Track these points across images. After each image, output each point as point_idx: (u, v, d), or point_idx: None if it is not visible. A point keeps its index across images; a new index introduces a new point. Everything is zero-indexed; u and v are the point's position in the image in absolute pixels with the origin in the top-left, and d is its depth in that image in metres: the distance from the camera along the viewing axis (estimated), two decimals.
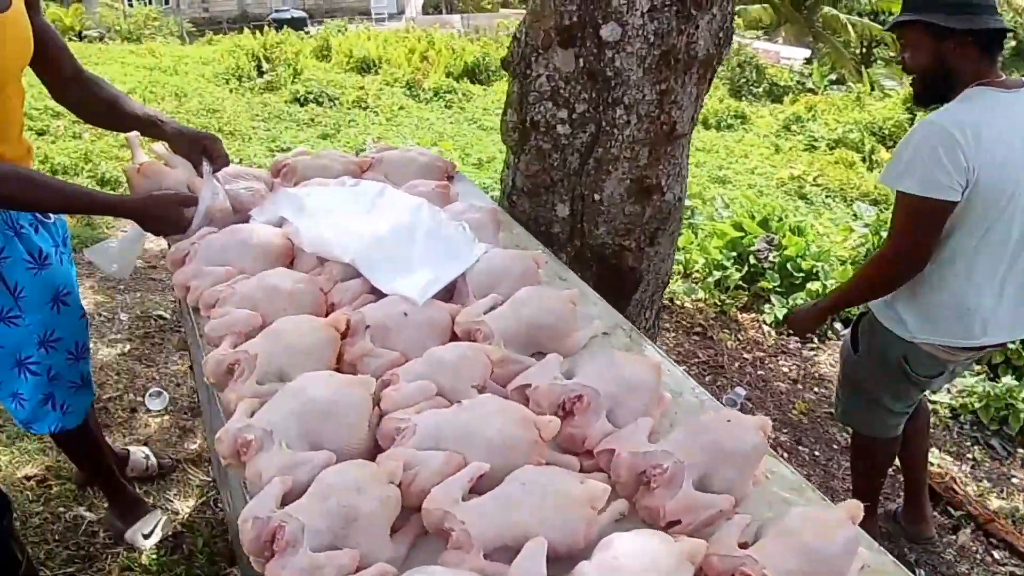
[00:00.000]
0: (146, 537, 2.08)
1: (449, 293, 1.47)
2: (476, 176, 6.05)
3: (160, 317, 3.28)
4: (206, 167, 1.67)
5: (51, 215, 1.74)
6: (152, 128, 1.75)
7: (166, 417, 2.64)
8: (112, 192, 1.69)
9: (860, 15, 18.88)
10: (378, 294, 1.41)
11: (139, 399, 2.71)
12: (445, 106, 8.91)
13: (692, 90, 1.98)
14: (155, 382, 2.83)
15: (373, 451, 1.13)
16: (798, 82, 14.39)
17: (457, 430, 1.09)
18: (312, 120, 7.13)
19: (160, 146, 1.71)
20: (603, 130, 1.97)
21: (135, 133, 1.67)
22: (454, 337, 1.38)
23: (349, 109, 7.66)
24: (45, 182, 1.50)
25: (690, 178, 5.73)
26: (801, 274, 3.99)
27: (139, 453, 2.33)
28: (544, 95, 1.98)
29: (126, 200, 1.54)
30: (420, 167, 1.90)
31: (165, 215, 1.54)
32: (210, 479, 2.35)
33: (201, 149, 1.70)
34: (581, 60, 1.90)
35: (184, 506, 2.24)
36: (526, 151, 2.07)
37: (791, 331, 2.20)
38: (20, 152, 1.61)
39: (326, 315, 1.38)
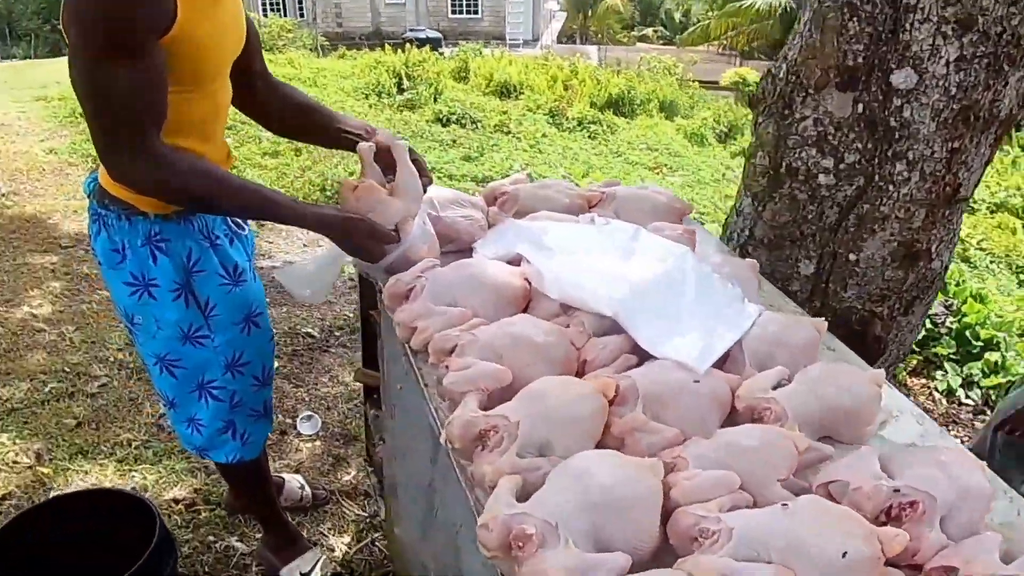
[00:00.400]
0: None
1: (719, 360, 1.31)
2: None
3: (309, 335, 3.32)
4: (424, 209, 1.57)
5: (245, 226, 1.72)
6: (357, 139, 1.65)
7: (317, 443, 2.61)
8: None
9: None
10: (639, 354, 1.27)
11: (289, 421, 2.71)
12: (589, 136, 8.89)
13: (985, 151, 1.79)
14: (305, 404, 2.83)
15: (661, 552, 0.98)
16: None
17: (783, 539, 0.93)
18: (454, 141, 7.25)
19: (392, 142, 1.59)
20: (874, 185, 1.79)
21: (370, 146, 1.61)
22: (732, 414, 1.23)
23: (492, 133, 7.76)
24: (241, 184, 1.42)
25: None
26: (980, 343, 3.93)
27: (294, 482, 2.30)
28: (808, 140, 1.82)
29: (326, 215, 1.45)
30: (656, 207, 1.77)
31: (362, 244, 1.46)
32: (366, 515, 2.28)
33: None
34: (861, 106, 1.74)
35: (339, 543, 2.18)
36: (775, 199, 1.91)
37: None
38: (221, 155, 1.59)
39: (577, 374, 1.26)
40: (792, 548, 0.92)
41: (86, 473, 2.34)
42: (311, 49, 18.02)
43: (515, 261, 1.47)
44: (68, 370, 2.85)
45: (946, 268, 1.98)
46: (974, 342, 3.97)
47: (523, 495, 1.00)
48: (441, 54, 15.35)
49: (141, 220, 1.47)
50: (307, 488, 2.30)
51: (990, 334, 3.98)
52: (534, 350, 1.22)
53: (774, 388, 1.24)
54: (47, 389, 2.73)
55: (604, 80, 11.48)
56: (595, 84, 11.08)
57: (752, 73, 19.11)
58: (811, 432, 1.21)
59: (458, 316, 1.30)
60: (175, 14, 1.25)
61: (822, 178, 1.83)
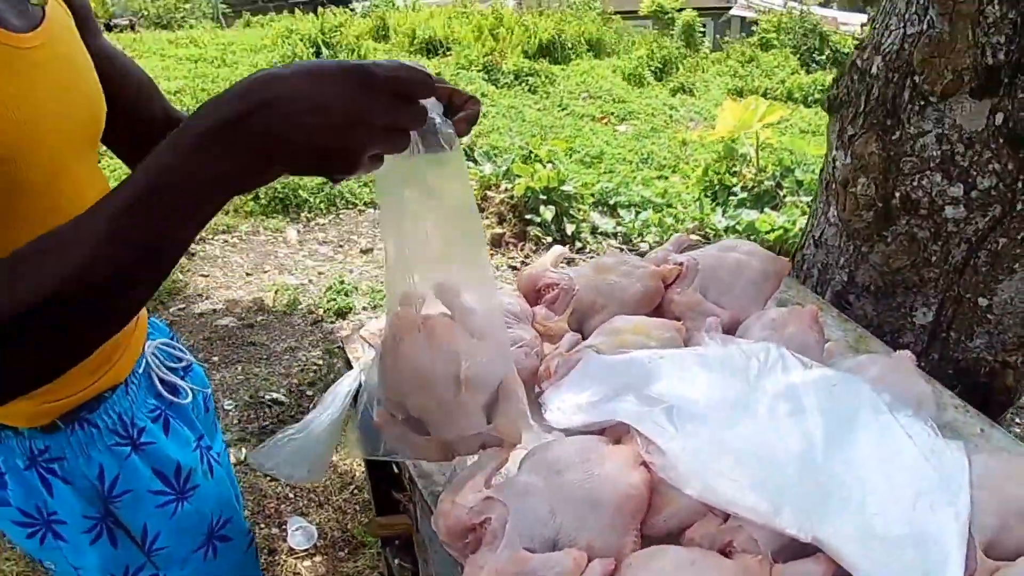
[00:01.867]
0: None
1: None
2: (586, 176, 5.43)
3: (276, 402, 2.78)
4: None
5: (185, 359, 1.15)
6: None
7: (317, 559, 2.13)
8: None
9: None
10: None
11: (276, 532, 2.20)
12: (529, 90, 8.27)
13: None
14: (290, 504, 2.32)
15: None
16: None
17: None
18: None
19: None
20: (1016, 214, 1.37)
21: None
22: None
23: None
24: (90, 215, 0.56)
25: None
26: None
27: None
28: (930, 163, 1.37)
29: (235, 120, 0.54)
30: (754, 277, 1.31)
31: (344, 133, 0.57)
32: None
33: None
34: (1000, 116, 1.29)
35: None
36: (887, 238, 1.46)
37: None
38: None
39: None
40: None
41: None
42: (212, 19, 16.62)
43: (615, 432, 0.99)
44: None
45: None
46: None
47: None
48: (352, 11, 14.32)
49: (14, 437, 0.92)
50: None
51: None
52: None
53: None
54: None
55: (532, 25, 10.74)
56: (524, 31, 10.36)
57: (668, 0, 18.53)
58: None
59: (572, 569, 0.82)
60: None
61: (949, 210, 1.39)
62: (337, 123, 0.56)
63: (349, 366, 1.21)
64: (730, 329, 1.23)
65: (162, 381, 1.07)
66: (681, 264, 1.31)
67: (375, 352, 1.12)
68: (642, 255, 1.40)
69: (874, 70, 1.42)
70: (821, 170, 1.62)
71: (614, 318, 1.17)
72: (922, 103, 1.34)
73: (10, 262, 0.56)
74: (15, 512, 0.98)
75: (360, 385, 1.14)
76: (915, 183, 1.39)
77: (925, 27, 1.31)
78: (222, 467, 1.18)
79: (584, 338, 1.18)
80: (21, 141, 0.76)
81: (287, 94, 0.54)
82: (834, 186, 1.54)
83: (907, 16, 1.35)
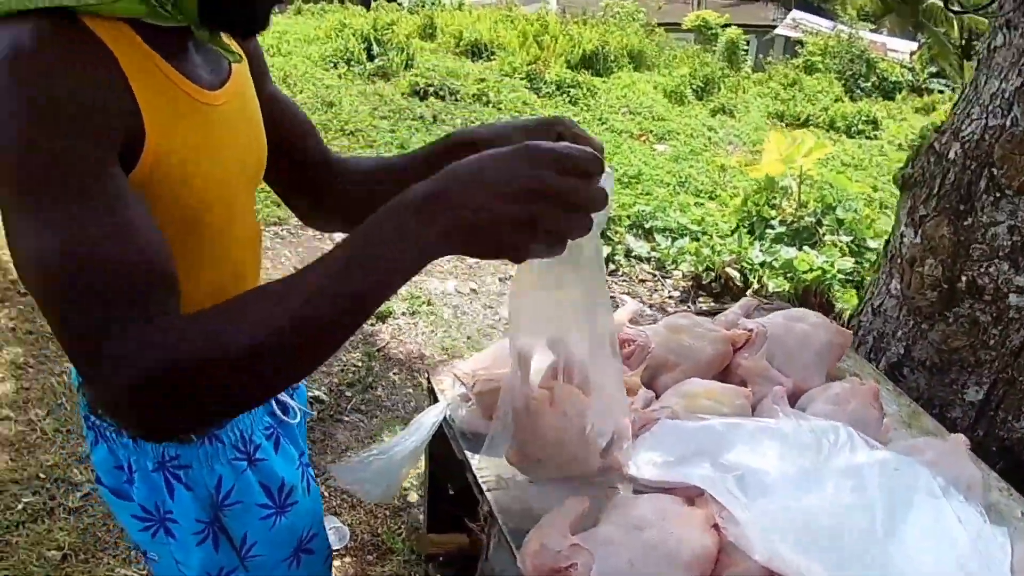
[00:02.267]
0: None
1: None
2: (624, 197, 5.48)
3: (316, 400, 2.85)
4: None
5: (293, 399, 1.22)
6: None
7: (347, 560, 2.20)
8: None
9: (963, 7, 17.52)
10: None
11: None
12: (570, 102, 8.32)
13: None
14: (324, 502, 2.39)
15: None
16: (908, 78, 13.62)
17: None
18: (435, 118, 6.65)
19: None
20: None
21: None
22: None
23: (471, 104, 7.17)
24: (282, 289, 0.64)
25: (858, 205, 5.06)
26: None
27: None
28: (998, 251, 1.42)
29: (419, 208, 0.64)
30: (819, 350, 1.36)
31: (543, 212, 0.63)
32: None
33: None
34: None
35: None
36: (948, 319, 1.51)
37: None
38: None
39: None
40: None
41: None
42: None
43: (687, 492, 1.06)
44: (43, 475, 2.35)
45: None
46: None
47: None
48: (400, 5, 14.45)
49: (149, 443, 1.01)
50: None
51: None
52: None
53: None
54: (20, 506, 2.22)
55: (576, 35, 10.79)
56: (568, 40, 10.41)
57: (712, 15, 18.57)
58: None
59: None
60: (141, 133, 0.72)
61: (1013, 298, 1.44)
62: (503, 195, 0.62)
63: (434, 399, 1.28)
64: (793, 397, 1.28)
65: (276, 400, 1.14)
66: (751, 330, 1.37)
67: (467, 391, 1.20)
68: (699, 315, 1.46)
69: (951, 155, 1.47)
70: (886, 242, 1.67)
71: (687, 380, 1.23)
72: (997, 195, 1.39)
73: (219, 314, 0.63)
74: (136, 507, 1.06)
75: (445, 419, 1.22)
76: (982, 269, 1.44)
77: (1008, 123, 1.36)
78: (313, 483, 1.26)
79: (656, 395, 1.25)
80: (206, 191, 0.84)
81: (473, 181, 0.63)
82: (900, 261, 1.59)
83: (990, 108, 1.40)
